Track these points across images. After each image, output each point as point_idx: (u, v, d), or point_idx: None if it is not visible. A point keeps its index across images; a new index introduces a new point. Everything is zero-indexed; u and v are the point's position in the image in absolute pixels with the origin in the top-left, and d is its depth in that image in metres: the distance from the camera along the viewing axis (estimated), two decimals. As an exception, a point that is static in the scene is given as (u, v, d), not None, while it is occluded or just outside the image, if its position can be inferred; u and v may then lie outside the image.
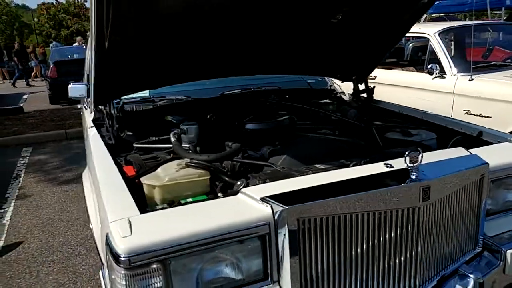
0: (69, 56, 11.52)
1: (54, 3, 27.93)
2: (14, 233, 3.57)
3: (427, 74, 4.23)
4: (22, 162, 5.70)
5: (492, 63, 4.24)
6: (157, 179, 1.80)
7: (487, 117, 3.65)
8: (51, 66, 10.60)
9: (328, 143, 2.14)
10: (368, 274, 1.48)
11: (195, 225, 1.33)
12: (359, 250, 1.45)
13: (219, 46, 2.39)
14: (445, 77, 4.12)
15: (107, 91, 2.35)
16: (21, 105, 10.10)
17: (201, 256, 1.34)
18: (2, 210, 4.06)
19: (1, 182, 4.86)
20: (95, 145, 2.16)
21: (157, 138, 2.37)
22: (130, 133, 2.46)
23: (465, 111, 3.83)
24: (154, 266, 1.28)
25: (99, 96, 2.35)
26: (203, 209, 1.45)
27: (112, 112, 2.48)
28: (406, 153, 1.43)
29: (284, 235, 1.38)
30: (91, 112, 2.65)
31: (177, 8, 1.96)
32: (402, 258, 1.48)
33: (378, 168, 1.57)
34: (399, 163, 1.57)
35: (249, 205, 1.45)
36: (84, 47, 11.82)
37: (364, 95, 3.04)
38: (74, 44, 14.54)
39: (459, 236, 1.66)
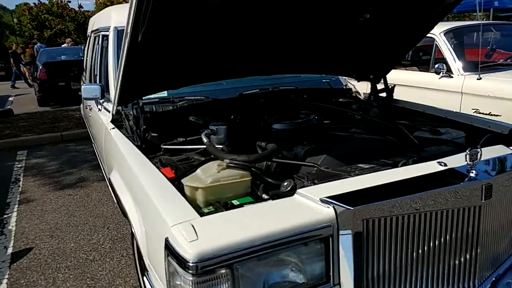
0: (58, 58, 11.30)
1: (36, 3, 27.34)
2: (22, 239, 3.46)
3: (434, 73, 4.26)
4: (19, 166, 5.54)
5: (499, 62, 4.30)
6: (200, 181, 1.75)
7: (497, 115, 3.69)
8: (40, 67, 10.36)
9: (365, 143, 2.12)
10: (428, 275, 1.46)
11: (260, 227, 1.29)
12: (420, 250, 1.43)
13: (245, 44, 2.36)
14: (452, 77, 4.16)
15: (132, 90, 2.30)
16: (9, 107, 9.87)
17: (267, 259, 1.31)
18: (6, 216, 3.94)
19: (1, 186, 4.72)
20: (126, 147, 2.10)
21: (184, 139, 2.32)
22: (155, 134, 2.40)
23: (474, 110, 3.87)
24: (223, 271, 1.24)
25: (124, 96, 2.29)
26: (262, 211, 1.41)
27: (136, 112, 2.43)
28: (467, 150, 1.42)
29: (348, 236, 1.36)
30: (112, 112, 2.57)
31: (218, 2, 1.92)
32: (462, 258, 1.47)
33: (432, 167, 1.56)
34: (452, 162, 1.56)
35: (308, 206, 1.41)
36: (82, 47, 11.61)
37: (383, 94, 3.04)
38: (62, 45, 14.27)
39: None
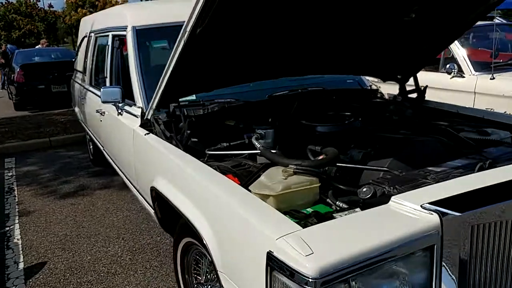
0: (36, 59, 10.87)
1: (4, 3, 26.32)
2: (32, 253, 3.24)
3: (446, 73, 4.28)
4: (9, 174, 5.25)
5: (509, 62, 4.36)
6: (269, 188, 1.65)
7: None
8: (17, 70, 9.92)
9: (426, 145, 2.06)
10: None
11: (371, 239, 1.21)
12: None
13: (285, 44, 2.27)
14: (464, 77, 4.19)
15: (174, 91, 2.17)
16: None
17: (378, 271, 1.22)
18: (8, 228, 3.70)
19: (-6, 197, 4.45)
20: (178, 154, 1.96)
21: (228, 144, 2.20)
22: (195, 139, 2.27)
23: (488, 109, 3.90)
24: (342, 286, 1.14)
25: (165, 98, 2.17)
26: (364, 221, 1.33)
27: (176, 116, 2.30)
28: None
29: (454, 244, 1.29)
30: (147, 117, 2.42)
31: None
32: None
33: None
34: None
35: (409, 214, 1.34)
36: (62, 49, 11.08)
37: (412, 95, 3.00)
38: (37, 47, 13.73)
39: None
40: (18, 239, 3.47)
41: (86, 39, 4.81)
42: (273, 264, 1.20)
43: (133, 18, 3.04)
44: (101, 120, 3.44)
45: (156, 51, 3.06)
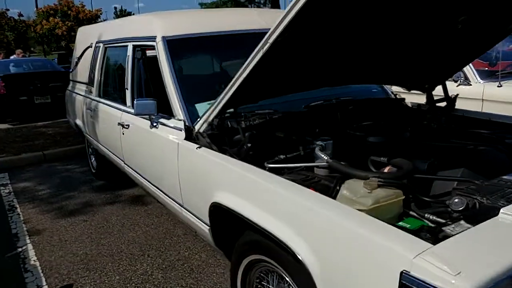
0: (15, 70, 10.46)
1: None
2: (54, 274, 3.07)
3: (452, 81, 4.38)
4: (6, 191, 4.99)
5: (513, 70, 4.51)
6: (359, 203, 1.62)
7: (523, 121, 3.84)
8: (-3, 81, 9.51)
9: (488, 154, 2.08)
10: None
11: (508, 254, 1.19)
12: None
13: (345, 56, 2.26)
14: (470, 84, 4.30)
15: (235, 101, 2.11)
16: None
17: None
18: (21, 249, 3.49)
19: (-3, 216, 4.22)
20: (253, 169, 1.88)
21: (285, 156, 2.16)
22: (250, 152, 2.21)
23: (503, 116, 4.01)
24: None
25: (227, 107, 2.11)
26: (486, 236, 1.30)
27: (229, 128, 2.24)
28: None
29: None
30: (200, 129, 2.33)
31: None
32: None
33: None
34: None
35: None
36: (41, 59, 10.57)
37: (441, 104, 3.05)
38: (11, 57, 13.24)
39: None
40: (35, 260, 3.29)
41: (90, 49, 4.65)
42: (410, 284, 1.16)
43: (163, 28, 2.95)
44: (123, 133, 3.32)
45: (187, 62, 2.97)
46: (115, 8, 48.28)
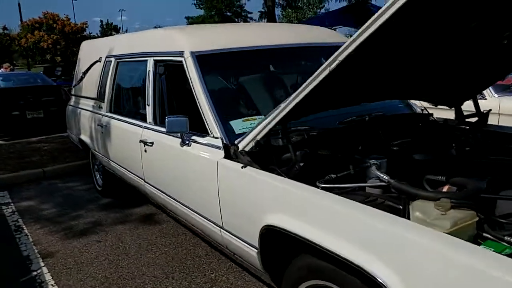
0: (6, 84, 10.19)
1: None
2: (76, 300, 2.92)
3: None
4: (9, 210, 4.79)
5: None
6: (436, 226, 1.56)
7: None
8: (-12, 96, 9.25)
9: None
10: None
11: None
12: None
13: (398, 71, 2.22)
14: (486, 98, 4.32)
15: (290, 118, 2.05)
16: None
17: None
18: (36, 273, 3.32)
19: (4, 238, 4.02)
20: (314, 191, 1.81)
21: (336, 175, 2.09)
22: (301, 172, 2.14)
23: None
24: None
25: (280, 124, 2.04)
26: None
27: (275, 146, 2.17)
28: None
29: None
30: (246, 148, 2.25)
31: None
32: None
33: None
34: None
35: None
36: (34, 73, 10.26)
37: (471, 119, 3.03)
38: None
39: None
40: (52, 285, 3.12)
41: (99, 64, 4.54)
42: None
43: (190, 43, 2.88)
44: (145, 151, 3.21)
45: (216, 78, 2.90)
46: (101, 21, 48.00)
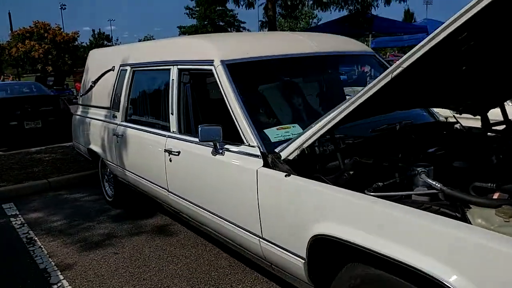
0: (2, 94, 10.06)
1: None
2: (103, 314, 2.84)
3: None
4: (18, 223, 4.67)
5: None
6: (506, 233, 1.55)
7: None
8: (-17, 106, 9.09)
9: None
10: None
11: None
12: None
13: (443, 81, 2.24)
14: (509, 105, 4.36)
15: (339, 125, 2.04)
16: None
17: None
18: (56, 286, 3.23)
19: (17, 250, 3.92)
20: (373, 200, 1.79)
21: (382, 183, 2.08)
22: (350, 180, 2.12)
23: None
24: None
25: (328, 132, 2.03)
26: None
27: (319, 153, 2.15)
28: None
29: None
30: (289, 156, 2.22)
31: None
32: None
33: None
34: None
35: None
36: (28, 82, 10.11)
37: (498, 127, 3.05)
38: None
39: None
40: (76, 299, 3.05)
41: (112, 73, 4.50)
42: None
43: (220, 52, 2.86)
44: (170, 160, 3.16)
45: (248, 86, 2.88)
46: (93, 30, 47.70)
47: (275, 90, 2.99)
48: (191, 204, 3.06)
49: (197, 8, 37.27)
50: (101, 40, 40.79)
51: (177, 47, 3.47)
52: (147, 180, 3.69)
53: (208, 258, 3.56)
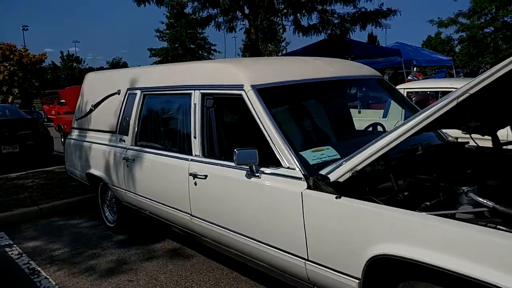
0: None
1: None
2: None
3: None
4: (15, 253, 4.46)
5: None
6: None
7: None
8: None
9: None
10: None
11: None
12: None
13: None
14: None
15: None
16: None
17: None
18: (76, 318, 3.11)
19: (22, 282, 3.74)
20: (437, 220, 1.86)
21: (430, 202, 2.17)
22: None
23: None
24: None
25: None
26: None
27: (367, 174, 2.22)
28: None
29: None
30: (336, 179, 2.27)
31: None
32: None
33: None
34: None
35: None
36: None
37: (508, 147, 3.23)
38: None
39: None
40: (101, 331, 2.94)
41: (117, 96, 4.46)
42: None
43: (250, 77, 2.92)
44: (195, 184, 3.15)
45: (278, 110, 2.94)
46: (61, 52, 46.65)
47: (304, 113, 3.07)
48: (219, 227, 3.05)
49: (168, 31, 37.40)
50: (70, 62, 39.96)
51: (200, 72, 3.50)
52: (163, 204, 3.65)
53: (228, 282, 3.52)
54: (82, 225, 5.25)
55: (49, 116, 21.01)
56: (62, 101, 18.78)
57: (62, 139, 12.42)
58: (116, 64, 51.89)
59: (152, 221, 4.12)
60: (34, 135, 9.47)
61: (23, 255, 4.39)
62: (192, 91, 3.36)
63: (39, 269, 4.02)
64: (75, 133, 5.49)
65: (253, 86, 2.85)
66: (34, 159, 9.25)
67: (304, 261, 2.43)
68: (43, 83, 27.35)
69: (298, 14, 11.73)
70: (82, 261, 4.15)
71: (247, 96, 2.84)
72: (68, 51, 46.66)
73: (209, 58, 35.84)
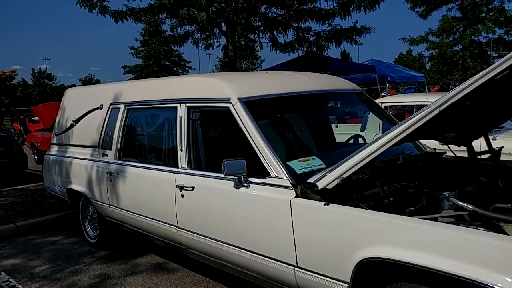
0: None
1: None
2: None
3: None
4: (-7, 271, 4.35)
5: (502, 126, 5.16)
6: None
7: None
8: None
9: None
10: None
11: None
12: None
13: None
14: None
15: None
16: None
17: None
18: (61, 335, 3.05)
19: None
20: (436, 224, 1.96)
21: (414, 208, 2.28)
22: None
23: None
24: None
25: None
26: None
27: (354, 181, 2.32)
28: None
29: None
30: (324, 187, 2.35)
31: None
32: None
33: None
34: None
35: None
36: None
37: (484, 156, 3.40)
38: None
39: None
40: None
41: (100, 111, 4.46)
42: None
43: (236, 90, 3.01)
44: (182, 196, 3.18)
45: (264, 122, 3.02)
46: (33, 69, 45.67)
47: (289, 124, 3.17)
48: (206, 238, 3.07)
49: (142, 48, 37.34)
50: (42, 79, 39.21)
51: (186, 86, 3.56)
52: (148, 217, 3.65)
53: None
54: (62, 242, 5.15)
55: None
56: (34, 118, 18.40)
57: (36, 157, 12.16)
58: (89, 81, 51.27)
59: (136, 235, 4.10)
60: (7, 153, 9.24)
61: (2, 272, 4.28)
62: (178, 105, 3.41)
63: (19, 286, 3.94)
64: (54, 149, 5.42)
65: (240, 99, 2.94)
66: (8, 177, 9.01)
67: (293, 267, 2.49)
68: (13, 100, 26.72)
69: (275, 32, 11.97)
70: (63, 277, 4.07)
71: (234, 109, 2.92)
72: (40, 68, 46.20)
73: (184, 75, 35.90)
